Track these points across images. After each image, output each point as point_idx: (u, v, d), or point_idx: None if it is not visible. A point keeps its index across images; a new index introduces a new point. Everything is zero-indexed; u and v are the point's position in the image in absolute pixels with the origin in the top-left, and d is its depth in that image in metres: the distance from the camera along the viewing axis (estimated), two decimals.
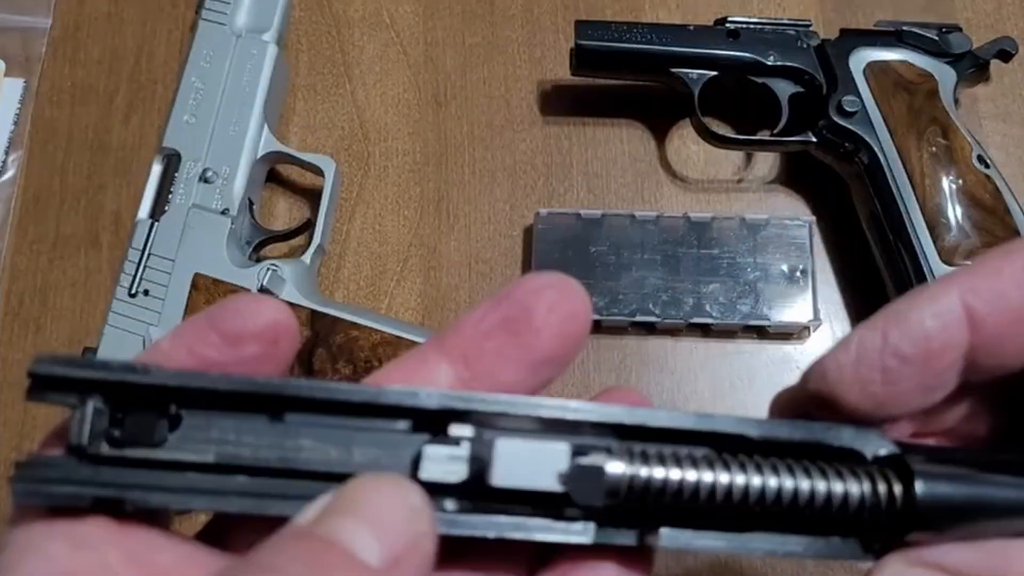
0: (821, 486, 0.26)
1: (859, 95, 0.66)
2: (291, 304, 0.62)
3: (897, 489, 0.26)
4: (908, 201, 0.63)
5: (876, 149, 0.65)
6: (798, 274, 0.66)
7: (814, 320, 0.65)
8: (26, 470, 0.25)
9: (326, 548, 0.23)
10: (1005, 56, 0.70)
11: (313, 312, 0.62)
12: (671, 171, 0.72)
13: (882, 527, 0.27)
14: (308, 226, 0.67)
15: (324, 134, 0.73)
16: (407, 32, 0.76)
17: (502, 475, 0.25)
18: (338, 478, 0.25)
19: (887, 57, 0.67)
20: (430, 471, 0.26)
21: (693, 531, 0.27)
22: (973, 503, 0.26)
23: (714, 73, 0.68)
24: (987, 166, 0.64)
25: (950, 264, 0.61)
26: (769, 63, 0.68)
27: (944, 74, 0.67)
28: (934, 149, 0.64)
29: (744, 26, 0.69)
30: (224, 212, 0.65)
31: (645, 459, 0.26)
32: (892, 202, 0.63)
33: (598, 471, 0.26)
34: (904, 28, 0.69)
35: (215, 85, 0.67)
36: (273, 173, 0.72)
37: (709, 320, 0.65)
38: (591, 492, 0.26)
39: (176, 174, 0.65)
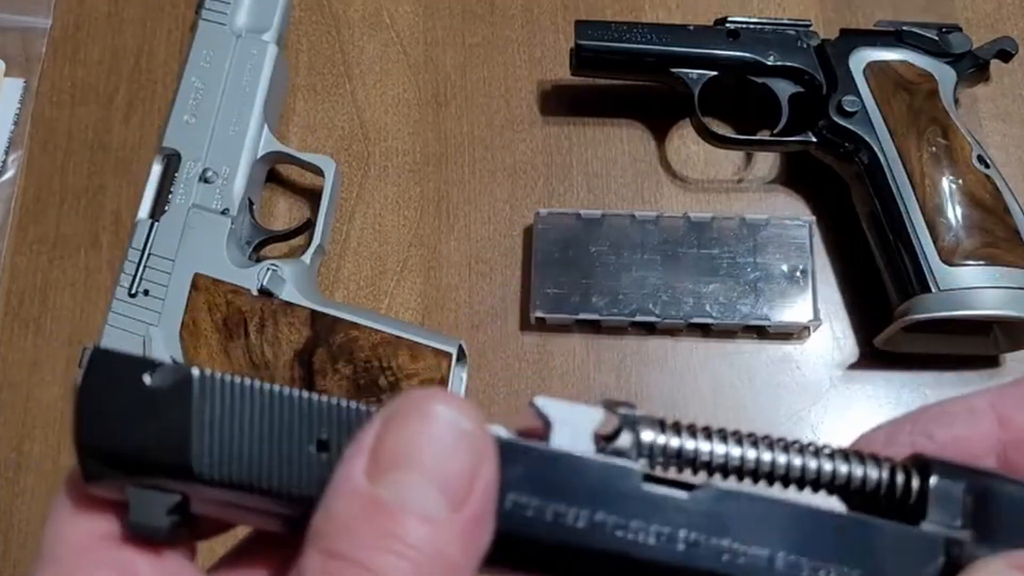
0: (843, 468, 0.28)
1: (859, 95, 0.66)
2: (291, 304, 0.62)
3: (915, 482, 0.27)
4: (908, 201, 0.63)
5: (876, 149, 0.65)
6: (798, 274, 0.66)
7: (814, 320, 0.65)
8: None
9: (396, 517, 0.23)
10: (1005, 56, 0.70)
11: (313, 312, 0.62)
12: (671, 171, 0.72)
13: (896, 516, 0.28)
14: (308, 226, 0.67)
15: (324, 134, 0.73)
16: (407, 32, 0.76)
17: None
18: None
19: (887, 57, 0.67)
20: None
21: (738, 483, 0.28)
22: (987, 496, 0.27)
23: (714, 73, 0.68)
24: (987, 166, 0.64)
25: (950, 264, 0.61)
26: (769, 63, 0.68)
27: (944, 74, 0.67)
28: (934, 149, 0.64)
29: (744, 26, 0.69)
30: (224, 212, 0.65)
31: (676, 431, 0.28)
32: (892, 202, 0.63)
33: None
34: (904, 28, 0.69)
35: (215, 85, 0.67)
36: (273, 173, 0.72)
37: (709, 320, 0.65)
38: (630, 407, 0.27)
39: (176, 174, 0.65)
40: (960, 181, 0.63)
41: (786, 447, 0.28)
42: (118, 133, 0.73)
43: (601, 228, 0.67)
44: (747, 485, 0.28)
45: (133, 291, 0.63)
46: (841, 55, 0.68)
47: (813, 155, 0.69)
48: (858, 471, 0.28)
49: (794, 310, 0.65)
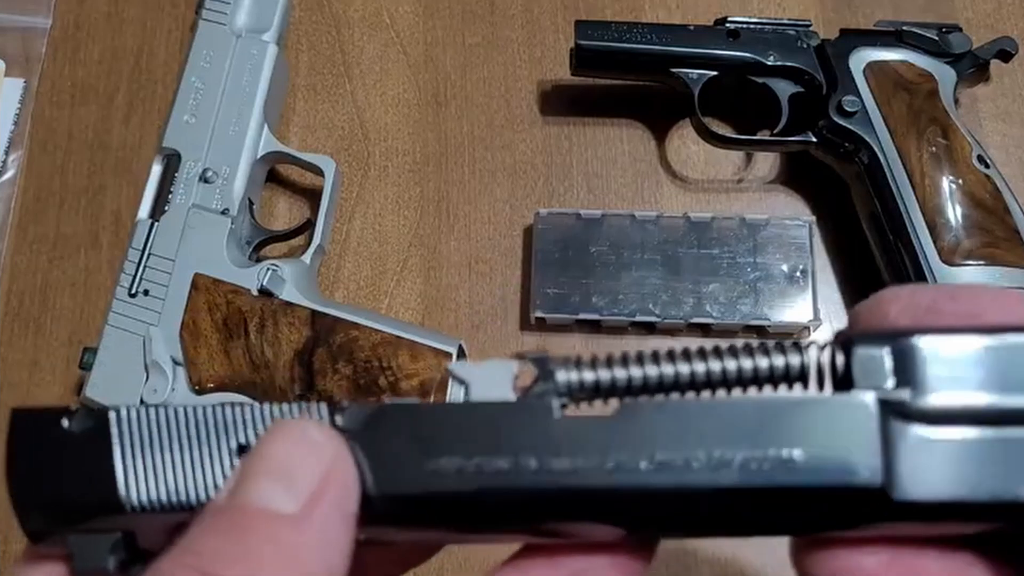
0: (763, 362, 0.27)
1: (859, 95, 0.66)
2: (291, 304, 0.62)
3: (839, 358, 0.27)
4: (908, 201, 0.63)
5: (876, 149, 0.65)
6: (798, 274, 0.66)
7: (814, 320, 0.65)
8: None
9: (241, 514, 0.24)
10: (1005, 56, 0.70)
11: (313, 312, 0.62)
12: (671, 171, 0.72)
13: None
14: (308, 226, 0.67)
15: (324, 134, 0.73)
16: (407, 32, 0.76)
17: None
18: None
19: (887, 57, 0.67)
20: None
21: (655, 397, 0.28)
22: (914, 352, 0.26)
23: (714, 73, 0.68)
24: (987, 166, 0.64)
25: (950, 264, 0.61)
26: (769, 63, 0.68)
27: (944, 74, 0.67)
28: (934, 149, 0.64)
29: (744, 26, 0.69)
30: (224, 212, 0.65)
31: (586, 363, 0.28)
32: (892, 202, 0.63)
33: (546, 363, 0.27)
34: (904, 28, 0.69)
35: (215, 85, 0.67)
36: (273, 173, 0.72)
37: (709, 320, 0.65)
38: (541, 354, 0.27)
39: (176, 174, 0.65)
40: (960, 181, 0.63)
41: (702, 353, 0.28)
42: (118, 133, 0.73)
43: (601, 228, 0.67)
44: (667, 399, 0.28)
45: (133, 291, 0.63)
46: (841, 55, 0.68)
47: (813, 155, 0.69)
48: (777, 361, 0.27)
49: (794, 310, 0.65)
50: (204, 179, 0.65)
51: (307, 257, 0.65)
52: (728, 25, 0.69)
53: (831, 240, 0.70)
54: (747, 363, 0.28)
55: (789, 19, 0.71)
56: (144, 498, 0.27)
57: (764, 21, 0.70)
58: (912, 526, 0.27)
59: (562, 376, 0.28)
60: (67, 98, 0.74)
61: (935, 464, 0.26)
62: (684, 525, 0.28)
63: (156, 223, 0.64)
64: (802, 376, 0.28)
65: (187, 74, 0.68)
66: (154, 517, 0.27)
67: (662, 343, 0.67)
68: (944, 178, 0.63)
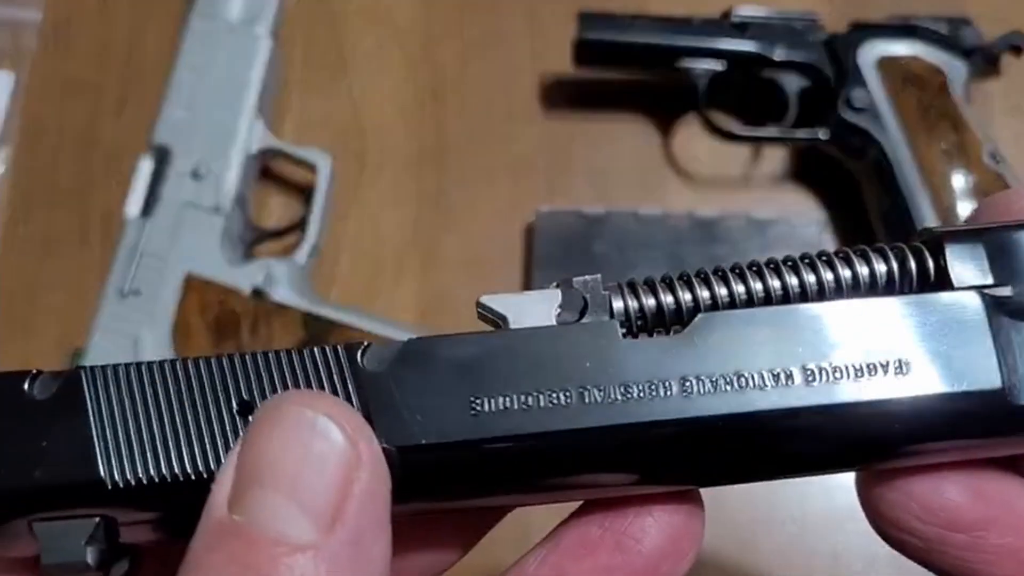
0: (845, 272, 0.25)
1: (868, 90, 0.66)
2: (284, 306, 0.61)
3: (929, 260, 0.25)
4: (919, 198, 0.62)
5: (886, 145, 0.64)
6: None
7: None
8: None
9: (250, 545, 0.20)
10: (1016, 50, 0.69)
11: (307, 314, 0.61)
12: (677, 167, 0.71)
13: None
14: (302, 224, 0.66)
15: (319, 130, 0.72)
16: (405, 25, 0.75)
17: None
18: None
19: (897, 51, 0.67)
20: None
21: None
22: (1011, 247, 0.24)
23: (720, 67, 0.67)
24: (998, 162, 0.64)
25: None
26: (776, 57, 0.67)
27: (954, 68, 0.67)
28: (945, 145, 0.63)
29: (751, 19, 0.68)
30: (216, 209, 0.64)
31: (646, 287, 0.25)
32: (903, 199, 0.63)
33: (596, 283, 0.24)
34: (914, 22, 0.68)
35: (207, 79, 0.66)
36: (267, 169, 0.71)
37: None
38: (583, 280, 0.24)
39: (167, 170, 0.65)
40: (972, 177, 0.63)
41: (775, 268, 0.25)
42: (109, 128, 0.72)
43: (604, 226, 0.66)
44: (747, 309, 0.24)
45: (124, 291, 0.62)
46: (850, 49, 0.67)
47: (822, 151, 0.69)
48: (863, 269, 0.25)
49: None
50: (195, 175, 0.64)
51: (301, 256, 0.64)
52: (734, 18, 0.68)
53: (841, 238, 0.69)
54: (827, 274, 0.25)
55: (797, 12, 0.70)
56: (128, 473, 0.22)
57: (771, 14, 0.69)
58: None
59: (618, 303, 0.24)
60: (57, 92, 0.73)
61: None
62: (777, 458, 0.24)
63: (147, 221, 0.64)
64: (891, 283, 0.25)
65: (179, 68, 0.67)
66: (140, 498, 0.23)
67: None
68: (955, 174, 0.63)
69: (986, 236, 0.25)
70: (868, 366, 0.23)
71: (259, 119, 0.67)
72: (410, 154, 0.72)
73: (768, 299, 0.25)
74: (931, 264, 0.25)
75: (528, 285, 0.67)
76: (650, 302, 0.24)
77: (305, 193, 0.70)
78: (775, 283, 0.25)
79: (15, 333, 0.67)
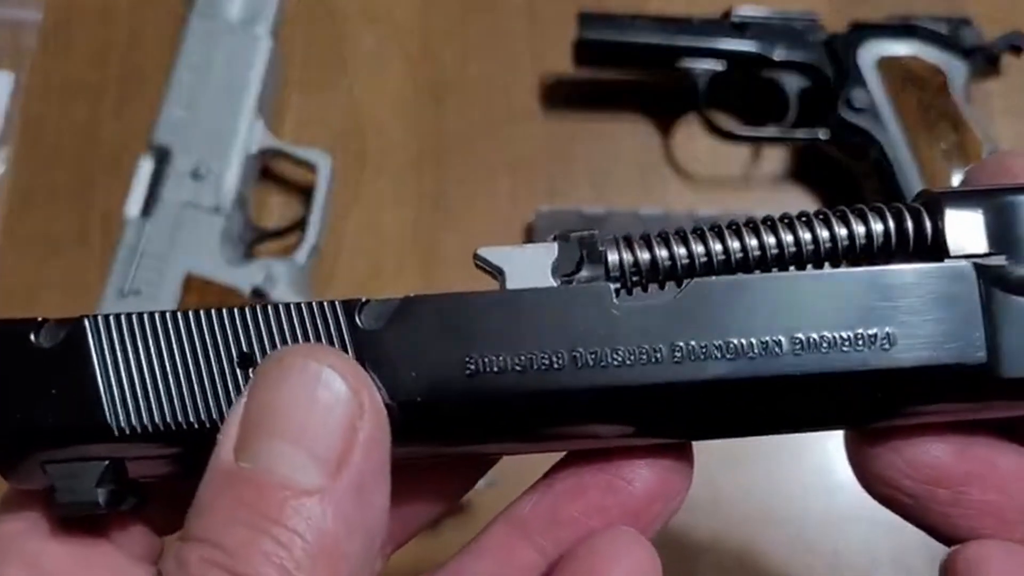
0: (841, 230, 0.25)
1: (868, 90, 0.65)
2: None
3: (927, 222, 0.24)
4: None
5: (886, 145, 0.64)
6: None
7: None
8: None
9: (258, 490, 0.21)
10: (1016, 50, 0.69)
11: None
12: (677, 167, 0.71)
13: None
14: (302, 224, 0.66)
15: (319, 129, 0.72)
16: (405, 24, 0.75)
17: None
18: None
19: (897, 51, 0.67)
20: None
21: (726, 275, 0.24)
22: (1011, 212, 0.24)
23: (720, 67, 0.67)
24: None
25: None
26: (776, 57, 0.67)
27: (954, 68, 0.67)
28: (945, 145, 0.63)
29: (751, 19, 0.68)
30: (216, 209, 0.64)
31: (642, 242, 0.25)
32: (903, 199, 0.62)
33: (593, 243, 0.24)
34: (913, 22, 0.68)
35: (207, 79, 0.66)
36: (267, 169, 0.70)
37: None
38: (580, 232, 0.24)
39: (167, 170, 0.64)
40: None
41: (771, 224, 0.25)
42: (108, 128, 0.72)
43: (604, 226, 0.66)
44: (740, 276, 0.24)
45: (124, 291, 0.62)
46: (850, 49, 0.67)
47: (822, 151, 0.68)
48: (859, 228, 0.25)
49: None
50: (195, 175, 0.64)
51: (301, 256, 0.64)
52: (734, 18, 0.68)
53: None
54: (823, 232, 0.24)
55: (797, 12, 0.70)
56: (133, 421, 0.23)
57: (771, 14, 0.69)
58: (1017, 406, 0.25)
59: (613, 257, 0.24)
60: (57, 93, 0.73)
61: None
62: (763, 419, 0.25)
63: (146, 221, 0.63)
64: (887, 244, 0.25)
65: (179, 68, 0.67)
66: (146, 442, 0.23)
67: None
68: (955, 174, 0.62)
69: (985, 200, 0.24)
70: (855, 337, 0.23)
71: (259, 119, 0.66)
72: (410, 154, 0.71)
73: (763, 256, 0.25)
74: (928, 226, 0.25)
75: None
76: (644, 256, 0.25)
77: (305, 193, 0.70)
78: (770, 239, 0.25)
79: None
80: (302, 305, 0.24)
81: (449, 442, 0.25)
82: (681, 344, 0.23)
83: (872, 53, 0.67)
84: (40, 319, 0.24)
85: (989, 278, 0.24)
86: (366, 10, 0.75)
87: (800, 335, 0.23)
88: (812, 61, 0.67)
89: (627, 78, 0.71)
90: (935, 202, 0.25)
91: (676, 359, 0.23)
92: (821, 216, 0.25)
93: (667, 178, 0.71)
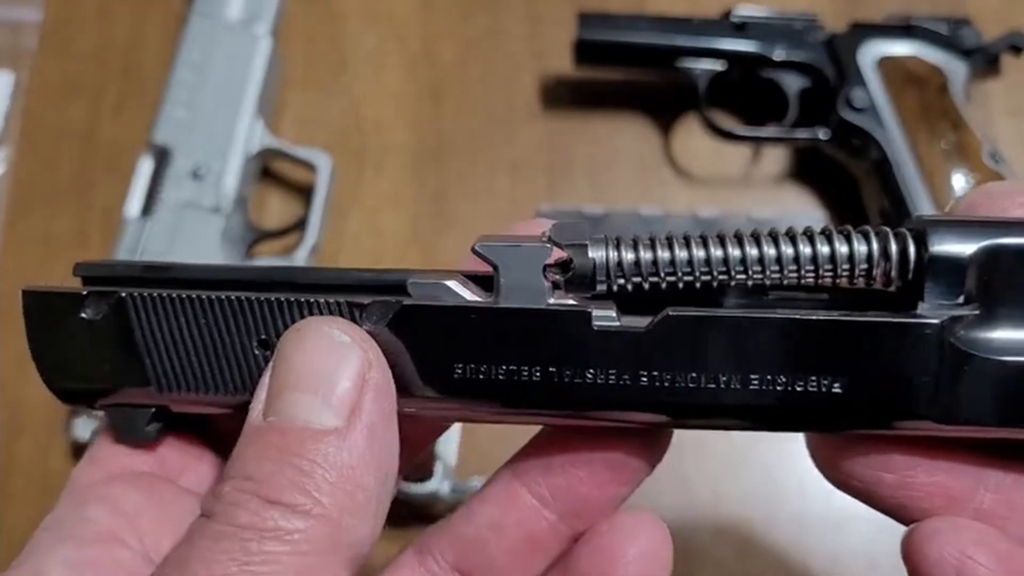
0: (824, 249, 0.25)
1: (868, 90, 0.65)
2: None
3: (912, 252, 0.25)
4: (919, 198, 0.62)
5: (886, 145, 0.64)
6: None
7: None
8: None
9: (282, 434, 0.24)
10: (1016, 50, 0.69)
11: None
12: (677, 167, 0.71)
13: (898, 291, 0.25)
14: (302, 224, 0.66)
15: (319, 129, 0.72)
16: (405, 24, 0.75)
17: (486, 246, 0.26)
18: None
19: (897, 51, 0.67)
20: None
21: (701, 307, 0.26)
22: (991, 249, 0.24)
23: (720, 67, 0.67)
24: (998, 162, 0.63)
25: None
26: (776, 57, 0.67)
27: (954, 68, 0.67)
28: (945, 145, 0.63)
29: (751, 19, 0.68)
30: (216, 209, 0.63)
31: (630, 243, 0.26)
32: (903, 199, 0.63)
33: (580, 224, 0.26)
34: (913, 22, 0.68)
35: (207, 79, 0.66)
36: (267, 169, 0.70)
37: None
38: (574, 231, 0.25)
39: (167, 170, 0.64)
40: (972, 177, 0.62)
41: (757, 240, 0.25)
42: (108, 128, 0.72)
43: (604, 226, 0.66)
44: (712, 309, 0.26)
45: None
46: (850, 49, 0.67)
47: (822, 151, 0.68)
48: (842, 248, 0.25)
49: None
50: (195, 175, 0.64)
51: (301, 256, 0.64)
52: (734, 18, 0.68)
53: None
54: (806, 249, 0.25)
55: (797, 12, 0.70)
56: (173, 387, 0.27)
57: (771, 14, 0.69)
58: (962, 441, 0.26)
59: (600, 258, 0.26)
60: (57, 93, 0.73)
61: (993, 395, 0.24)
62: (707, 423, 0.27)
63: (146, 221, 0.63)
64: (869, 266, 0.25)
65: (178, 68, 0.67)
66: (186, 401, 0.28)
67: None
68: (956, 174, 0.62)
69: (974, 236, 0.24)
70: (811, 381, 0.25)
71: (259, 119, 0.66)
72: (410, 154, 0.71)
73: (745, 269, 0.25)
74: (912, 257, 0.25)
75: None
76: (629, 257, 0.26)
77: (305, 193, 0.70)
78: (752, 251, 0.25)
79: (15, 333, 0.67)
80: (312, 301, 0.26)
81: (436, 418, 0.28)
82: (646, 373, 0.25)
83: (872, 53, 0.67)
84: (85, 291, 0.28)
85: (954, 331, 0.24)
86: (366, 10, 0.75)
87: (757, 376, 0.25)
88: (812, 61, 0.67)
89: (627, 78, 0.71)
90: (922, 231, 0.25)
91: (643, 385, 0.26)
92: (807, 234, 0.25)
93: (667, 178, 0.71)
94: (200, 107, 0.66)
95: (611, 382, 0.25)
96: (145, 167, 0.65)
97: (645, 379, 0.25)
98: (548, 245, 0.26)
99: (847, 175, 0.68)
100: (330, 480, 0.23)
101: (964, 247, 0.24)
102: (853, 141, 0.65)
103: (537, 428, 0.30)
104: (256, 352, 0.27)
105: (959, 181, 0.62)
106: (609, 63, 0.69)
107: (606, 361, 0.25)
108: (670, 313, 0.25)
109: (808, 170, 0.71)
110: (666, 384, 0.25)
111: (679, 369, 0.25)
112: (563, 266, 0.26)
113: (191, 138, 0.65)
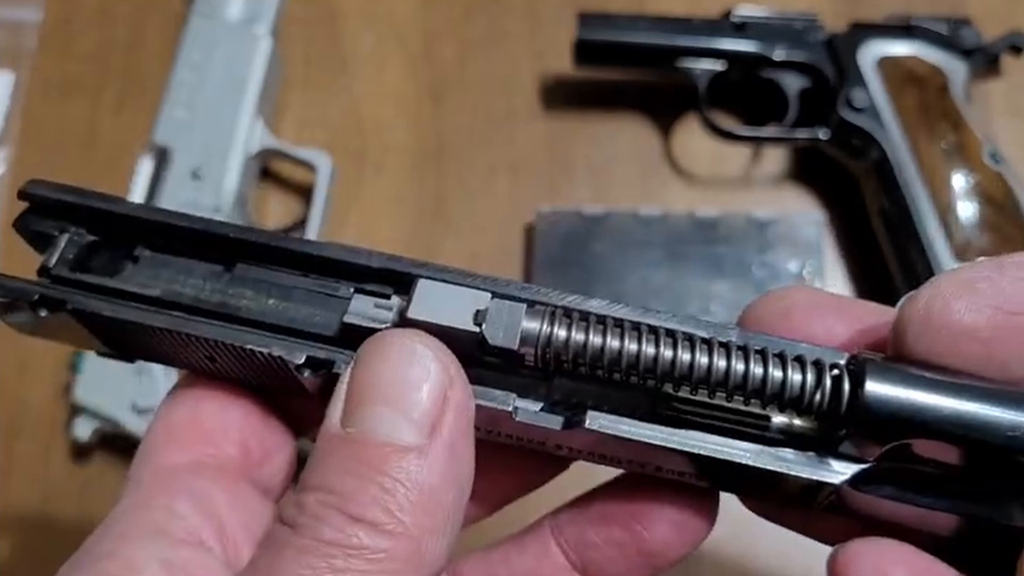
0: (758, 370, 0.25)
1: (868, 90, 0.65)
2: None
3: (846, 385, 0.24)
4: (919, 198, 0.62)
5: (886, 145, 0.64)
6: (807, 273, 0.65)
7: None
8: None
9: (366, 450, 0.24)
10: (1016, 50, 0.69)
11: None
12: (676, 167, 0.71)
13: (828, 428, 0.25)
14: (302, 224, 0.66)
15: (319, 129, 0.72)
16: (405, 24, 0.75)
17: (419, 310, 0.26)
18: (270, 328, 0.26)
19: (897, 51, 0.67)
20: (355, 316, 0.26)
21: (624, 417, 0.26)
22: (925, 412, 0.24)
23: (720, 67, 0.67)
24: (998, 162, 0.63)
25: (962, 262, 0.60)
26: (776, 57, 0.67)
27: (955, 68, 0.67)
28: (945, 145, 0.63)
29: (751, 19, 0.68)
30: (216, 209, 0.63)
31: (567, 320, 0.26)
32: (903, 199, 0.62)
33: (515, 311, 0.26)
34: (913, 22, 0.68)
35: (207, 79, 0.66)
36: (267, 169, 0.70)
37: (716, 320, 0.64)
38: (506, 332, 0.25)
39: (167, 170, 0.64)
40: (972, 178, 0.62)
41: (692, 345, 0.25)
42: (108, 129, 0.72)
43: (604, 226, 0.66)
44: (631, 424, 0.26)
45: None
46: (850, 49, 0.67)
47: (822, 151, 0.68)
48: (776, 373, 0.25)
49: None
50: (195, 175, 0.64)
51: None
52: (734, 18, 0.68)
53: (841, 238, 0.68)
54: (739, 365, 0.25)
55: (797, 12, 0.70)
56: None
57: (771, 14, 0.69)
58: None
59: (532, 329, 0.26)
60: (57, 93, 0.73)
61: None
62: None
63: None
64: (799, 400, 0.25)
65: (178, 68, 0.67)
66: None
67: None
68: (956, 175, 0.62)
69: (912, 388, 0.24)
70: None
71: (259, 119, 0.66)
72: (410, 154, 0.71)
73: (671, 372, 0.25)
74: (846, 393, 0.25)
75: None
76: (561, 333, 0.26)
77: (305, 193, 0.70)
78: (684, 356, 0.25)
79: (15, 333, 0.67)
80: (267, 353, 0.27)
81: None
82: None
83: (872, 53, 0.66)
84: (36, 296, 0.28)
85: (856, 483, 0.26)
86: (366, 10, 0.75)
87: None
88: (812, 61, 0.67)
89: (627, 78, 0.71)
90: (860, 372, 0.24)
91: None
92: (740, 351, 0.25)
93: (667, 178, 0.71)
94: (200, 107, 0.66)
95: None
96: (145, 167, 0.65)
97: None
98: (485, 293, 0.27)
99: (847, 175, 0.68)
100: (411, 499, 0.23)
101: (898, 391, 0.24)
102: (853, 141, 0.65)
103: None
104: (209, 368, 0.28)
105: (959, 181, 0.62)
106: (609, 63, 0.69)
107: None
108: (587, 424, 0.26)
109: (808, 170, 0.71)
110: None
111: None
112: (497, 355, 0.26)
113: (191, 138, 0.65)
